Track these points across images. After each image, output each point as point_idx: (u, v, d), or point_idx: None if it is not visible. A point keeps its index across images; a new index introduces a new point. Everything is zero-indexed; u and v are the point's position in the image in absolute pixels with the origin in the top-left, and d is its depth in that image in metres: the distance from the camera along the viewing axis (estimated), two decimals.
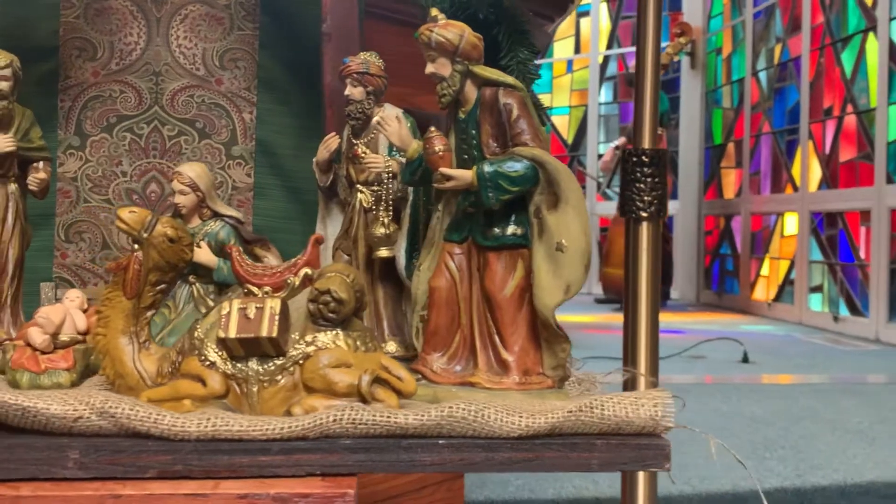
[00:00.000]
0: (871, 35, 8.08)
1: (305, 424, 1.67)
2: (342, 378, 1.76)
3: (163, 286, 1.90)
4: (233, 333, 1.75)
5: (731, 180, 13.19)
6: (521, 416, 1.70)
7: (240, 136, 3.20)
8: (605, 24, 15.41)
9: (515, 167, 1.88)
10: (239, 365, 1.78)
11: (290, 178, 3.27)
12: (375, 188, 2.32)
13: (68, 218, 3.20)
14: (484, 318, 1.97)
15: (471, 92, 1.96)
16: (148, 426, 1.65)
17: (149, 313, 1.90)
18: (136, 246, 1.87)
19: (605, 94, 15.37)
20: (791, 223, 11.01)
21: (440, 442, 1.70)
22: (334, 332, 1.80)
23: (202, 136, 3.18)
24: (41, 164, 2.46)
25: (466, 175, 1.90)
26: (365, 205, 2.32)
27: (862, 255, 9.29)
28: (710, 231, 13.73)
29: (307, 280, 1.85)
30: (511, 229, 1.94)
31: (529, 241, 1.94)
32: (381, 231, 2.23)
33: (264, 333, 1.74)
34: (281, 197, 3.28)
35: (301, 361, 1.78)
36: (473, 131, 1.94)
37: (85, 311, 2.17)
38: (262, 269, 1.88)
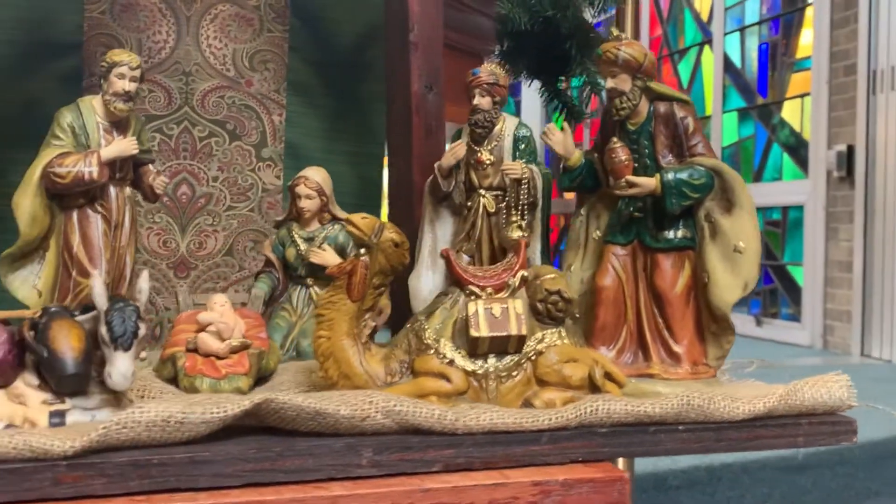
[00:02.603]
0: (706, 48, 8.74)
1: (568, 415, 1.80)
2: (574, 372, 1.91)
3: (381, 289, 1.97)
4: (485, 332, 1.86)
5: None
6: (743, 402, 1.90)
7: (269, 138, 3.23)
8: None
9: (698, 176, 2.07)
10: (478, 362, 1.89)
11: None
12: (497, 192, 2.44)
13: None
14: (652, 314, 2.16)
15: (643, 106, 2.13)
16: (431, 423, 1.74)
17: (367, 315, 1.96)
18: (361, 251, 1.93)
19: None
20: None
21: (679, 428, 1.87)
22: (558, 330, 1.94)
23: (233, 137, 3.19)
24: (152, 166, 2.43)
25: (650, 182, 2.08)
26: (489, 209, 2.43)
27: None
28: (551, 229, 14.21)
29: (523, 281, 1.98)
30: (680, 232, 2.13)
31: (695, 243, 2.14)
32: (516, 234, 2.36)
33: (514, 332, 1.87)
34: None
35: (533, 358, 1.91)
36: (646, 142, 2.12)
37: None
38: (480, 272, 1.99)
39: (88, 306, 1.85)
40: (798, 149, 7.51)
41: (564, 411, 1.80)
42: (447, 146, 2.46)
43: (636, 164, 2.14)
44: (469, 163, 2.45)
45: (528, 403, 1.87)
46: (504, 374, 1.88)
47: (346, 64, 3.32)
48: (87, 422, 1.71)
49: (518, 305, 1.88)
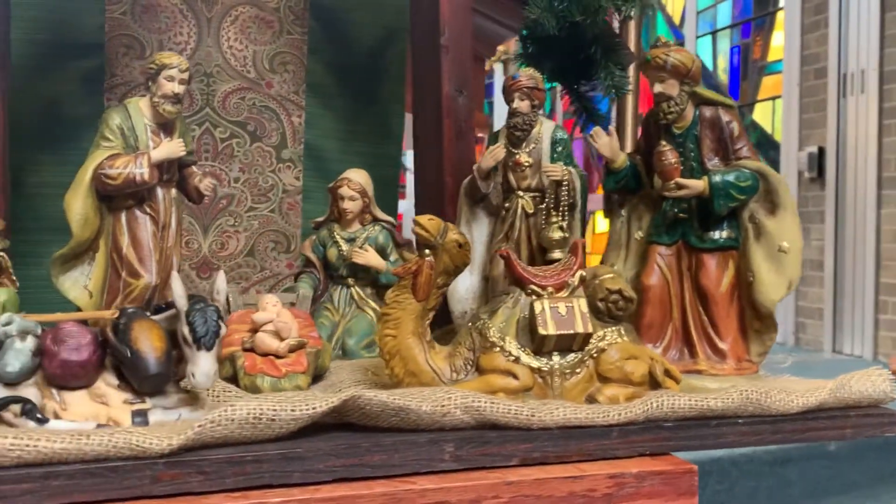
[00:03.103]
0: None
1: (636, 410, 1.86)
2: (636, 369, 1.97)
3: (444, 289, 2.02)
4: (552, 330, 1.91)
5: None
6: (796, 396, 1.98)
7: (289, 139, 3.27)
8: None
9: (745, 178, 2.15)
10: (543, 359, 1.95)
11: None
12: (535, 194, 2.50)
13: None
14: (697, 312, 2.23)
15: (688, 110, 2.20)
16: (508, 418, 1.79)
17: (431, 314, 2.01)
18: (426, 251, 1.98)
19: None
20: (602, 221, 11.74)
21: (739, 421, 1.94)
22: (617, 328, 2.00)
23: (253, 138, 3.22)
24: (195, 168, 2.46)
25: (699, 184, 2.15)
26: (528, 210, 2.49)
27: None
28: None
29: (582, 281, 2.04)
30: (725, 233, 2.21)
31: (739, 244, 2.21)
32: (558, 235, 2.42)
33: (580, 330, 1.93)
34: (326, 200, 3.35)
35: (595, 355, 1.97)
36: (692, 145, 2.19)
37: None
38: (540, 272, 2.04)
39: (160, 306, 1.88)
40: (769, 150, 7.66)
41: (633, 406, 1.86)
42: (487, 150, 2.50)
43: (682, 167, 2.20)
44: (507, 165, 2.51)
45: (591, 399, 1.92)
46: (568, 371, 1.94)
47: (364, 66, 3.36)
48: (169, 421, 1.73)
49: (582, 304, 1.94)
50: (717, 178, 2.14)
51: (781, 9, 7.59)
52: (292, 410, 1.68)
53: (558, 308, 1.92)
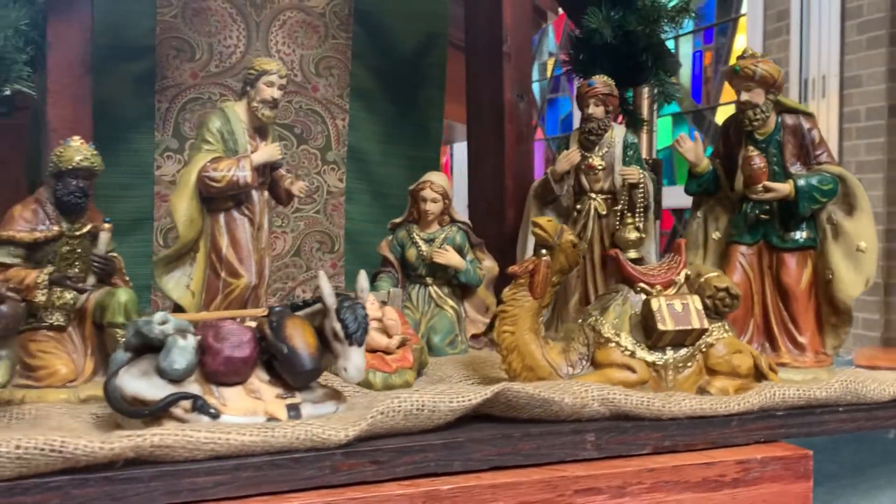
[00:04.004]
0: None
1: (753, 401, 1.99)
2: (742, 362, 2.09)
3: (557, 287, 2.12)
4: (671, 326, 2.02)
5: None
6: (888, 385, 2.12)
7: (333, 141, 3.34)
8: None
9: (827, 182, 2.28)
10: (657, 353, 2.06)
11: (376, 183, 3.44)
12: (607, 196, 2.61)
13: (167, 222, 3.18)
14: (778, 308, 2.36)
15: (771, 118, 2.33)
16: (641, 410, 1.90)
17: (545, 311, 2.11)
18: (543, 252, 2.07)
19: None
20: None
21: (839, 409, 2.08)
22: (721, 324, 2.12)
23: (300, 141, 3.28)
24: (283, 171, 2.52)
25: (784, 188, 2.28)
26: (601, 211, 2.60)
27: None
28: None
29: (687, 279, 2.16)
30: (805, 233, 2.34)
31: (817, 243, 2.35)
32: (634, 235, 2.54)
33: (696, 325, 2.04)
34: (368, 201, 3.44)
35: (704, 349, 2.09)
36: (774, 150, 2.32)
37: None
38: (647, 271, 2.15)
39: (296, 304, 1.94)
40: None
41: (749, 397, 1.98)
42: (562, 154, 2.60)
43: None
44: (579, 168, 2.61)
45: (702, 391, 2.04)
46: (681, 364, 2.05)
47: (405, 71, 3.44)
48: (323, 414, 1.80)
49: (696, 301, 2.05)
50: (802, 182, 2.27)
51: (744, 15, 7.82)
52: (450, 402, 1.76)
53: (674, 305, 2.03)
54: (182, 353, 1.74)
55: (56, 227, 2.07)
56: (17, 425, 1.77)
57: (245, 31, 3.20)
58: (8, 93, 2.34)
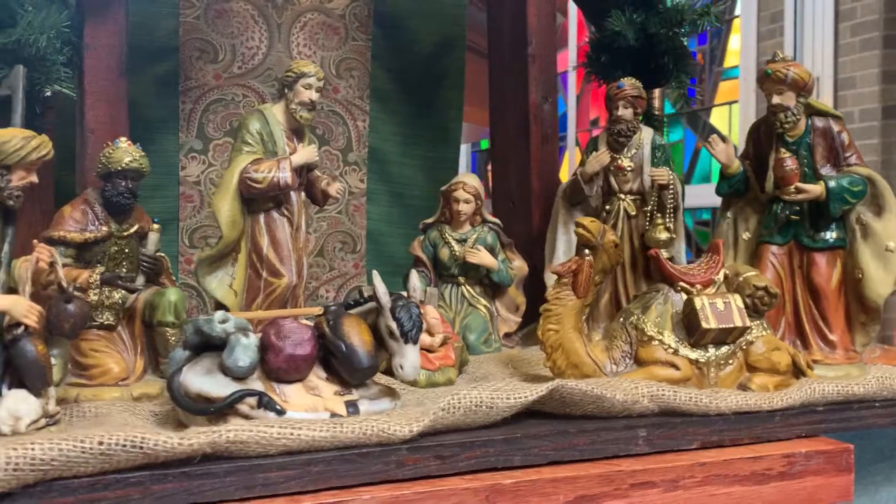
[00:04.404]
0: None
1: (794, 396, 2.04)
2: (781, 359, 2.14)
3: (600, 286, 2.17)
4: (714, 324, 2.07)
5: None
6: None
7: (354, 142, 3.37)
8: None
9: (857, 183, 2.34)
10: (700, 351, 2.11)
11: (395, 184, 3.47)
12: (636, 197, 2.66)
13: (192, 223, 3.20)
14: (808, 307, 2.41)
15: (802, 120, 2.38)
16: (689, 406, 1.95)
17: (587, 310, 2.16)
18: (586, 251, 2.12)
19: None
20: None
21: (875, 404, 2.13)
22: (760, 322, 2.18)
23: (322, 142, 3.31)
24: (318, 172, 2.55)
25: (816, 189, 2.34)
26: (630, 212, 2.65)
27: None
28: None
29: (725, 278, 2.21)
30: (835, 234, 2.40)
31: (846, 243, 2.40)
32: (664, 235, 2.58)
33: (738, 323, 2.09)
34: (387, 202, 3.47)
35: (744, 347, 2.14)
36: (805, 153, 2.37)
37: None
38: (687, 270, 2.20)
39: (349, 303, 1.97)
40: None
41: (791, 393, 2.03)
42: (591, 156, 2.64)
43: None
44: (608, 169, 2.65)
45: (743, 387, 2.09)
46: (722, 361, 2.10)
47: (423, 72, 3.47)
48: (381, 410, 1.83)
49: (738, 300, 2.10)
50: (833, 184, 2.32)
51: (738, 17, 7.89)
52: (507, 398, 1.81)
53: (716, 303, 2.08)
54: (245, 350, 1.77)
55: (105, 228, 2.09)
56: (78, 423, 1.80)
57: (267, 32, 3.22)
58: (49, 94, 2.34)
